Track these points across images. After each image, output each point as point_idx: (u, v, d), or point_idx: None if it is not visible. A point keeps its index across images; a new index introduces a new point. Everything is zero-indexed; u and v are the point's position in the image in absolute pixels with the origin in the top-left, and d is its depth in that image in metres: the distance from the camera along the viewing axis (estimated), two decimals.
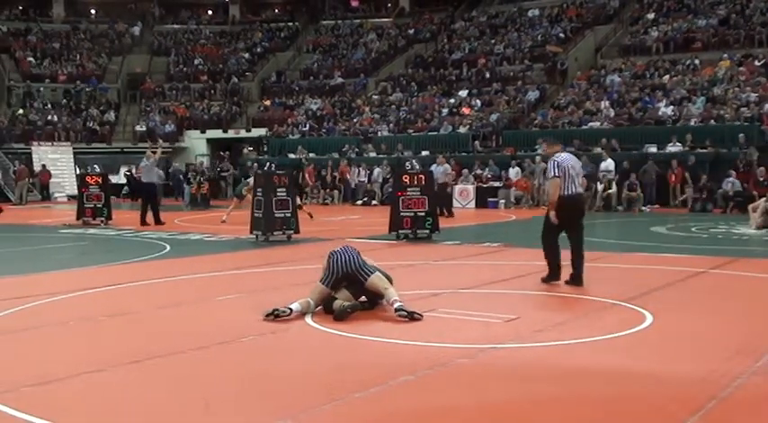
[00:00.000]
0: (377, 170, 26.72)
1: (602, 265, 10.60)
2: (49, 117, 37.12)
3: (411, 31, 41.39)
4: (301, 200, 20.68)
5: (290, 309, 6.77)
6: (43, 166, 29.10)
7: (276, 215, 14.00)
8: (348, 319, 6.72)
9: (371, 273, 7.01)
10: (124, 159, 36.10)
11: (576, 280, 8.54)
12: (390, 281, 7.29)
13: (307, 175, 27.15)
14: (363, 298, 7.15)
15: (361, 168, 27.37)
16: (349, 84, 37.98)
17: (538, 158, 23.93)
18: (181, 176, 29.09)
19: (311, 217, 18.26)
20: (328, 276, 6.98)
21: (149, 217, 17.67)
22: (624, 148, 24.33)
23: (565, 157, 8.76)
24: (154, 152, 18.94)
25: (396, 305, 6.77)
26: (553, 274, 8.65)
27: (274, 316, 6.69)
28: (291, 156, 29.76)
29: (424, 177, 14.26)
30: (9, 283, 9.34)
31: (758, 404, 4.52)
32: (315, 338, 6.26)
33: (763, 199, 15.82)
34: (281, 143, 32.58)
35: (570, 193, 8.54)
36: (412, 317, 6.68)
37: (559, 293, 8.11)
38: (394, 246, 13.05)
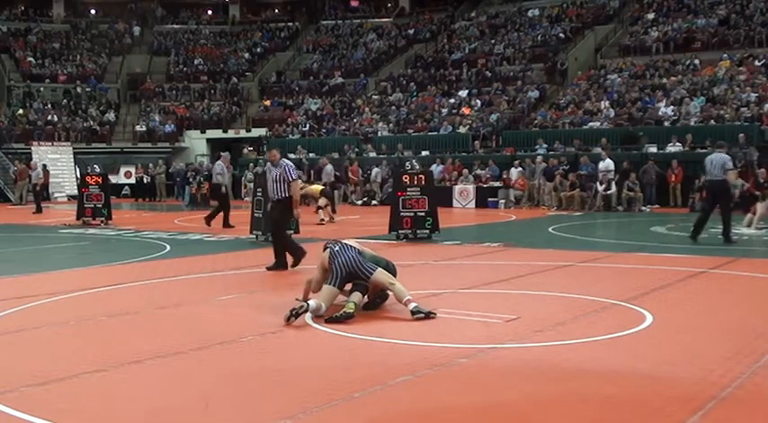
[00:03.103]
0: (376, 170, 26.71)
1: (602, 265, 10.62)
2: (49, 117, 37.15)
3: (411, 31, 41.42)
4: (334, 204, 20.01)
5: (308, 304, 6.77)
6: (44, 166, 29.14)
7: None
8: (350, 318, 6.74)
9: (373, 269, 7.05)
10: (124, 159, 36.17)
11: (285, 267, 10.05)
12: (394, 272, 7.35)
13: (351, 174, 27.00)
14: (366, 299, 7.19)
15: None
16: (349, 84, 38.00)
17: (538, 158, 23.95)
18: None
19: (331, 220, 17.92)
20: (333, 277, 7.01)
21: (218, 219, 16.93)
22: (624, 148, 24.37)
23: (291, 162, 10.45)
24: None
25: (411, 307, 6.79)
26: (299, 257, 10.03)
27: (294, 316, 6.61)
28: (291, 156, 29.75)
29: (423, 177, 14.26)
30: (9, 283, 9.34)
31: (758, 404, 4.52)
32: (315, 338, 6.26)
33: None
34: (281, 143, 32.52)
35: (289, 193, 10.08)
36: (428, 316, 6.72)
37: (559, 293, 8.11)
38: (394, 246, 13.05)
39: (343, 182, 27.02)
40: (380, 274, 7.05)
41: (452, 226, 16.92)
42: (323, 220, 17.66)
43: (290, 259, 10.17)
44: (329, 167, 22.64)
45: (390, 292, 7.14)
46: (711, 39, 30.22)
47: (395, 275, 7.31)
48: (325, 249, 7.35)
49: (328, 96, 37.24)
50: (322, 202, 17.98)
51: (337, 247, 7.21)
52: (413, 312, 6.75)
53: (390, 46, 40.85)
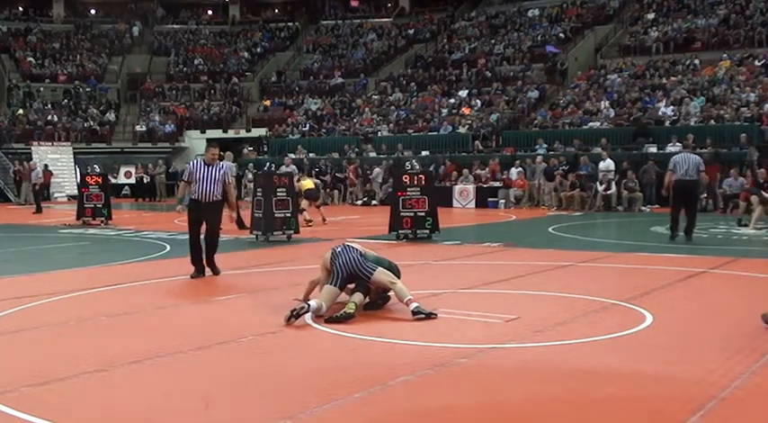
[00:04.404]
0: (376, 170, 26.72)
1: (602, 265, 10.62)
2: (49, 117, 37.14)
3: (411, 31, 41.43)
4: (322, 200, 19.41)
5: (308, 304, 6.76)
6: (45, 166, 29.13)
7: (276, 215, 14.02)
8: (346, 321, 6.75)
9: (374, 269, 7.05)
10: (124, 159, 36.18)
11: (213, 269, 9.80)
12: (398, 272, 7.35)
13: (351, 175, 26.93)
14: (367, 299, 7.21)
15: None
16: (349, 84, 38.00)
17: (538, 158, 23.96)
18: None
19: (323, 221, 17.57)
20: (335, 277, 7.02)
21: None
22: (624, 147, 24.37)
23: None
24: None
25: (412, 307, 6.79)
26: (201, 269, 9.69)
27: (295, 317, 6.60)
28: (291, 155, 29.73)
29: (423, 177, 14.27)
30: (9, 283, 9.34)
31: (758, 404, 4.52)
32: (315, 338, 6.26)
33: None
34: (281, 143, 32.59)
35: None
36: (429, 317, 6.72)
37: (559, 293, 8.11)
38: (394, 246, 13.04)
39: (342, 182, 27.08)
40: (381, 274, 7.05)
41: (452, 226, 16.92)
42: (310, 221, 16.93)
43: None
44: (292, 167, 21.88)
45: (391, 293, 7.15)
46: (711, 39, 30.22)
47: (398, 276, 7.31)
48: (330, 250, 7.37)
49: (328, 96, 37.24)
50: (304, 204, 17.05)
51: (339, 249, 7.22)
52: (414, 313, 6.75)
53: (390, 46, 40.85)
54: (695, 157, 13.49)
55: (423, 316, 6.72)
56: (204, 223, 9.67)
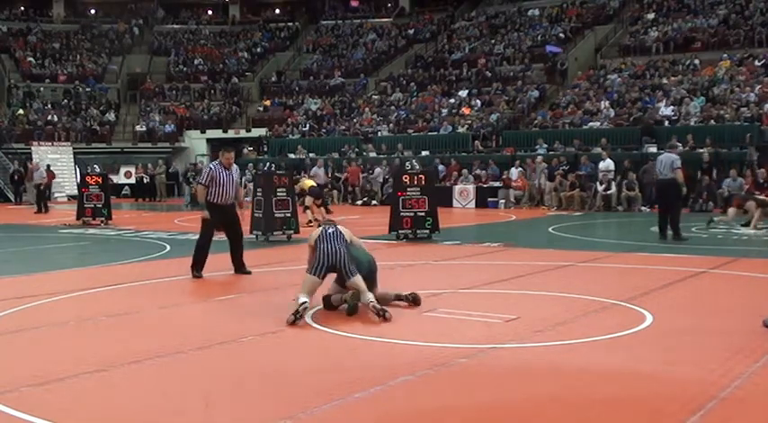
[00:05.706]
0: (377, 170, 26.70)
1: (602, 265, 10.62)
2: (49, 117, 37.13)
3: (411, 31, 41.42)
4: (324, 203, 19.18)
5: (306, 300, 6.77)
6: (48, 166, 29.13)
7: (276, 215, 14.02)
8: (350, 317, 6.78)
9: (353, 274, 7.04)
10: (124, 159, 36.18)
11: (243, 269, 9.93)
12: (376, 271, 7.40)
13: (349, 175, 26.90)
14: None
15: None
16: (349, 84, 37.99)
17: (538, 158, 23.95)
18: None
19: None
20: (317, 267, 7.02)
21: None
22: (624, 147, 24.37)
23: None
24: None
25: (370, 301, 6.86)
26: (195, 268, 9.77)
27: (299, 317, 6.61)
28: (291, 156, 29.75)
29: (423, 177, 14.26)
30: (9, 283, 9.34)
31: (758, 404, 4.52)
32: (315, 338, 6.26)
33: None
34: (281, 143, 32.58)
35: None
36: (381, 313, 6.71)
37: (559, 293, 8.11)
38: (394, 246, 13.04)
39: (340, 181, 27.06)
40: (358, 280, 7.04)
41: (452, 226, 16.91)
42: (310, 220, 16.71)
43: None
44: (322, 170, 22.30)
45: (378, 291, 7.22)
46: (711, 39, 30.21)
47: (376, 273, 7.37)
48: (319, 226, 7.40)
49: (328, 96, 37.23)
50: (308, 200, 17.29)
51: (331, 230, 7.22)
52: (367, 303, 6.81)
53: (390, 46, 40.86)
54: (669, 156, 13.61)
55: (376, 308, 6.73)
56: (226, 226, 9.96)
